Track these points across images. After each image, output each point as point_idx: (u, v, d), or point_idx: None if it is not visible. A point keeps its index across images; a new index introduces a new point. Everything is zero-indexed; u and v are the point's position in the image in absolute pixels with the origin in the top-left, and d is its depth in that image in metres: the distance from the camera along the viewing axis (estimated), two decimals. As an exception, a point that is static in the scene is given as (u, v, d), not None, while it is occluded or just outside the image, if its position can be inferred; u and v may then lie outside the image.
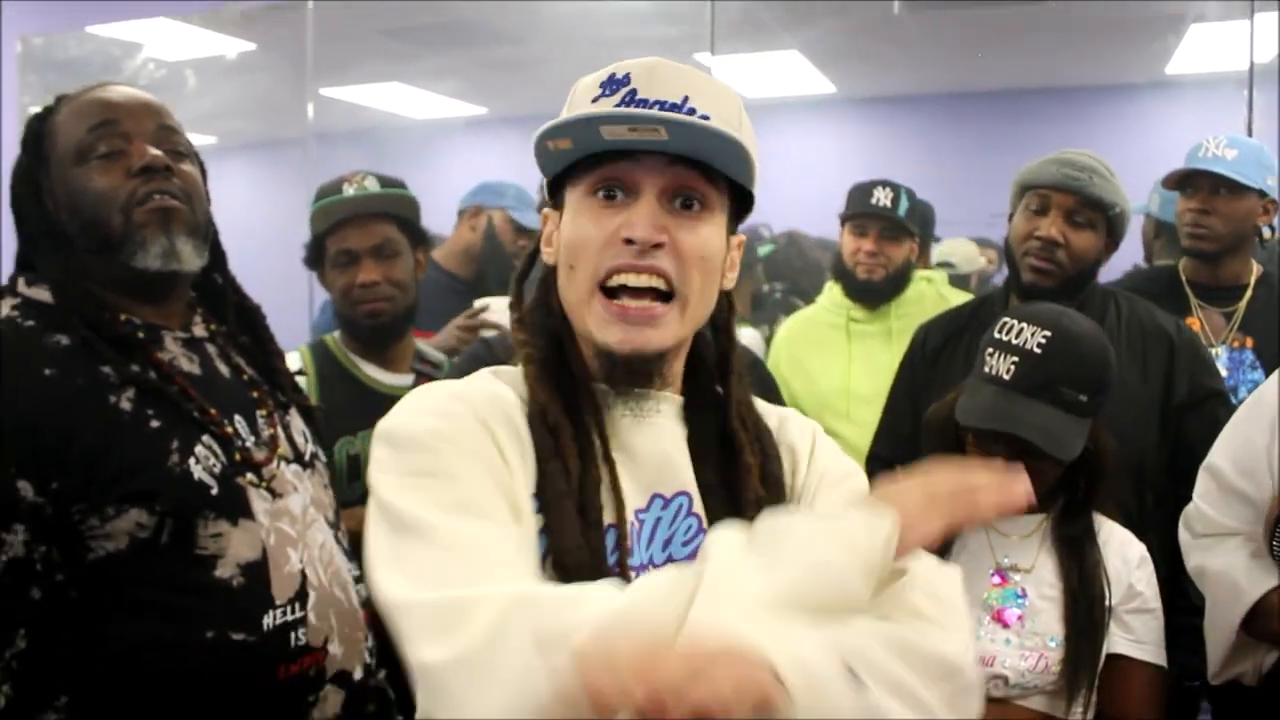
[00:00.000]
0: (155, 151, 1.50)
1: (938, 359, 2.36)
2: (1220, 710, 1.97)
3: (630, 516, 1.09)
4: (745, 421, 1.19)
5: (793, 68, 6.07)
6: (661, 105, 1.06)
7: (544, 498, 1.06)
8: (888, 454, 2.34)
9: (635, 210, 1.08)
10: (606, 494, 1.08)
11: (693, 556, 1.07)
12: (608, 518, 1.07)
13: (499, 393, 1.12)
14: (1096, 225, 2.20)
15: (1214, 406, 2.18)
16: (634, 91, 1.07)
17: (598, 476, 1.08)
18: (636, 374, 1.13)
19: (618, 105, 1.06)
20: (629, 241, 1.07)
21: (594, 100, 1.08)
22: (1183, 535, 1.87)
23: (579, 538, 1.04)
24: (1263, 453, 1.72)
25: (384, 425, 1.09)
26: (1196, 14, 5.77)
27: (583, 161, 1.10)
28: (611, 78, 1.08)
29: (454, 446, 1.04)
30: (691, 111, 1.06)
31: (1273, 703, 1.72)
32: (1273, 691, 1.70)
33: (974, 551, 1.82)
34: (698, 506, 1.13)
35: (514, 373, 1.16)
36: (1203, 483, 1.84)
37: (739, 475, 1.14)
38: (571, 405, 1.11)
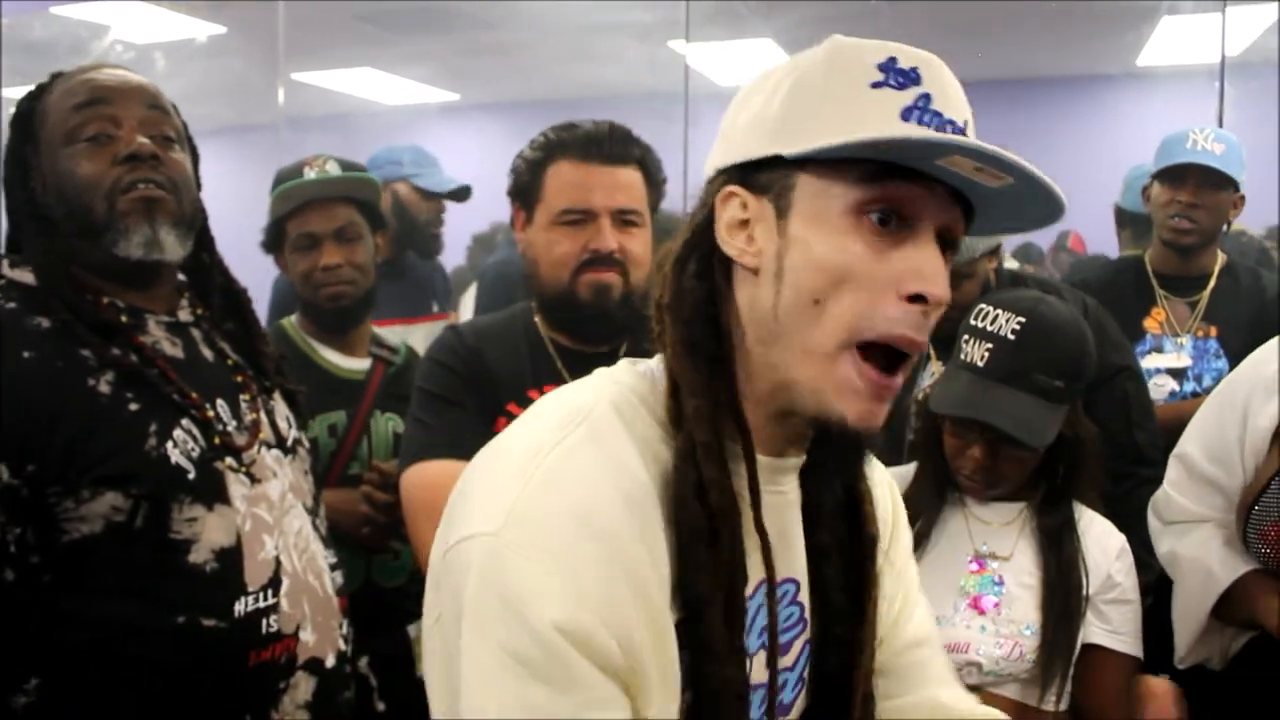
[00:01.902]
0: (143, 139, 1.49)
1: None
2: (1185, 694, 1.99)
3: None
4: (865, 485, 1.04)
5: (767, 56, 6.07)
6: (954, 126, 0.89)
7: (688, 601, 0.86)
8: None
9: (924, 256, 0.88)
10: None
11: (787, 647, 1.00)
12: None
13: (635, 479, 0.88)
14: None
15: (1121, 382, 2.20)
16: (928, 98, 0.88)
17: (745, 579, 0.90)
18: (794, 439, 0.97)
19: (913, 109, 0.88)
20: (917, 299, 0.87)
21: (874, 85, 0.88)
22: (1152, 522, 1.89)
23: (727, 651, 0.87)
24: (1234, 442, 1.74)
25: (493, 563, 0.82)
26: (1169, 6, 5.81)
27: (851, 164, 0.87)
28: (893, 63, 0.88)
29: (593, 670, 0.81)
30: (965, 133, 0.90)
31: (1237, 686, 1.74)
32: (1238, 675, 1.73)
33: (953, 538, 1.83)
34: (802, 594, 1.01)
35: (638, 396, 0.94)
36: (1173, 470, 1.86)
37: (861, 556, 1.02)
38: (729, 481, 0.90)
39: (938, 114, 0.88)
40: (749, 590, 0.91)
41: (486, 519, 0.84)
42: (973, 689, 1.73)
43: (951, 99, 0.90)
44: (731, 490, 0.88)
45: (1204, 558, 1.75)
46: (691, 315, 0.93)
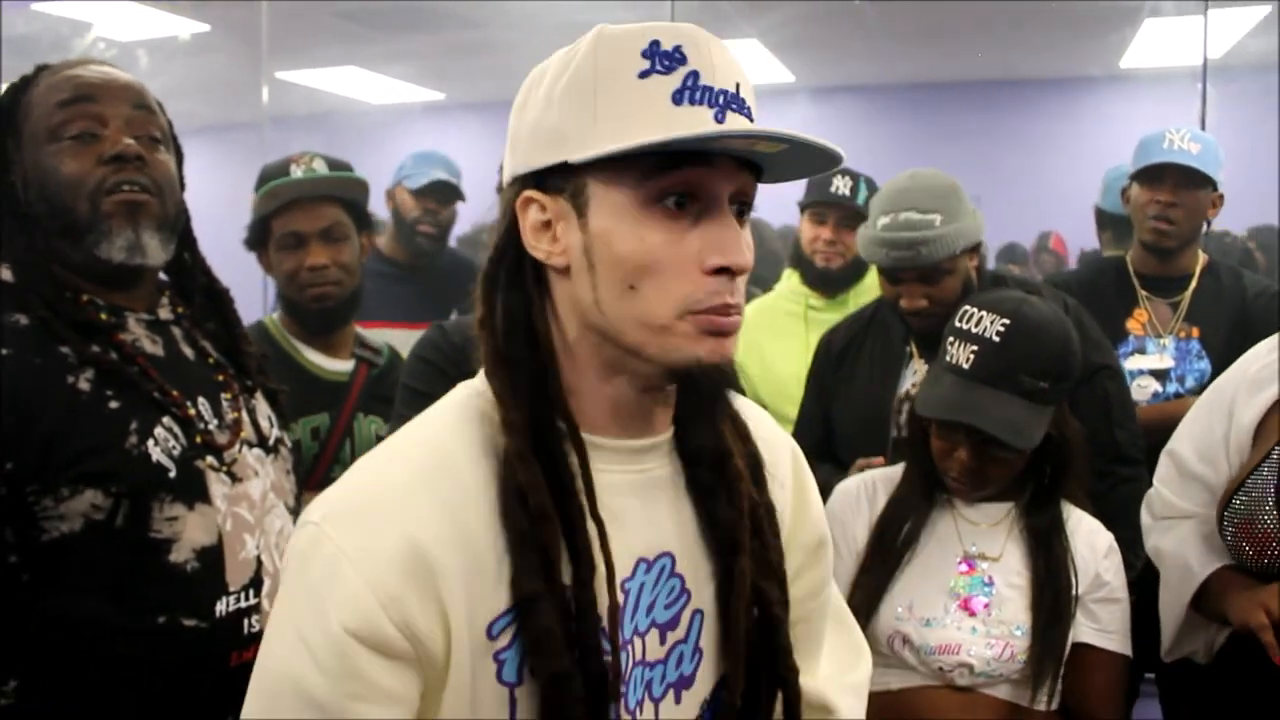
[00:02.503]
0: (129, 140, 1.47)
1: (842, 362, 2.41)
2: (1170, 688, 2.01)
3: (619, 593, 0.96)
4: (740, 449, 1.07)
5: (751, 56, 6.08)
6: (725, 95, 0.92)
7: (521, 604, 0.91)
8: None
9: (720, 229, 0.92)
10: (600, 585, 0.94)
11: (675, 621, 1.02)
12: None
13: (457, 482, 0.93)
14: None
15: (1102, 380, 2.21)
16: (696, 75, 0.91)
17: (591, 567, 0.93)
18: (647, 416, 0.99)
19: (682, 89, 0.90)
20: (721, 271, 0.92)
21: (642, 75, 0.91)
22: (1144, 517, 1.91)
23: (564, 656, 0.90)
24: (1220, 440, 1.75)
25: (308, 552, 0.91)
26: (1151, 8, 5.84)
27: (634, 156, 0.90)
28: (656, 47, 0.91)
29: (377, 663, 0.88)
30: (743, 100, 0.94)
31: (1223, 680, 1.75)
32: (1224, 669, 1.74)
33: (942, 539, 1.83)
34: (680, 565, 1.02)
35: (488, 400, 0.98)
36: (1163, 467, 1.88)
37: (735, 491, 1.04)
38: (557, 480, 0.93)
39: (708, 88, 0.91)
40: (628, 573, 0.97)
41: (316, 508, 0.92)
42: (965, 690, 1.73)
43: (719, 67, 0.92)
44: (548, 491, 0.92)
45: (1185, 553, 1.77)
46: (505, 328, 0.96)
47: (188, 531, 1.42)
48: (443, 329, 1.85)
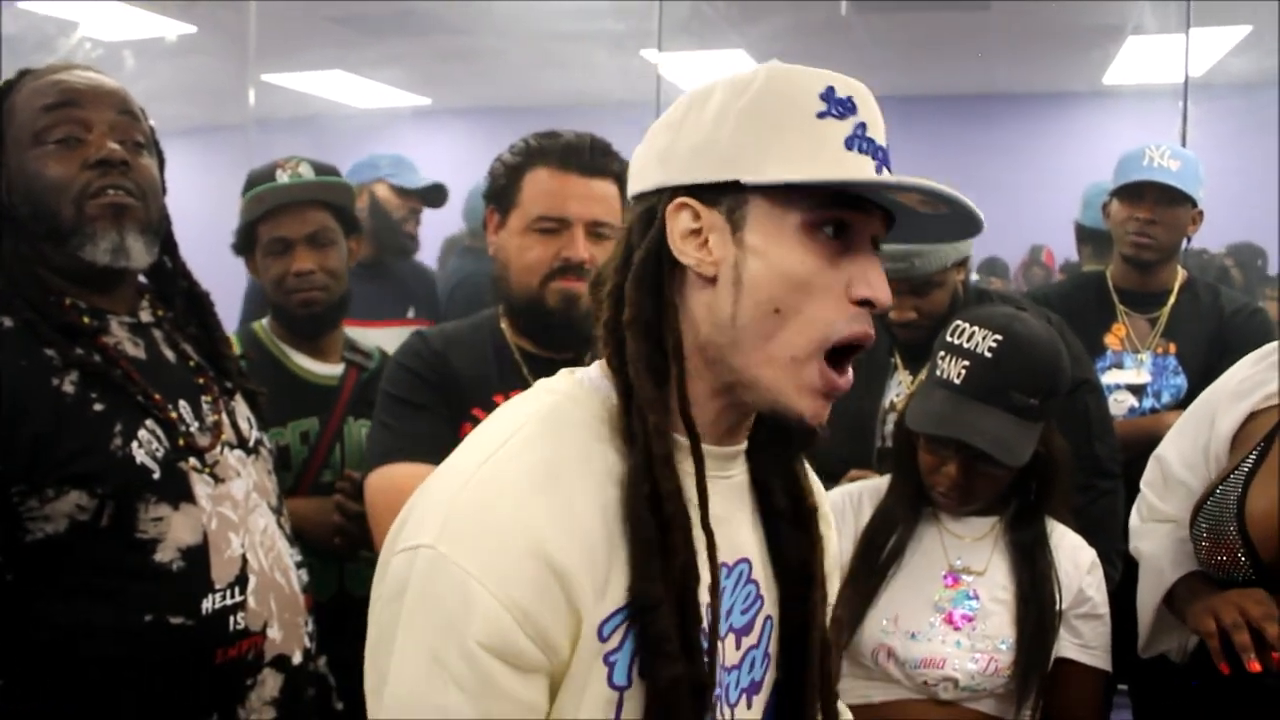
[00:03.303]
0: (114, 145, 1.48)
1: None
2: (1143, 686, 2.03)
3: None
4: (809, 487, 1.12)
5: (739, 67, 6.10)
6: (883, 151, 0.98)
7: (642, 608, 0.92)
8: None
9: (868, 265, 0.97)
10: (703, 592, 0.96)
11: (750, 626, 1.06)
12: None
13: (564, 487, 0.93)
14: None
15: (1082, 395, 2.22)
16: (864, 126, 0.97)
17: (697, 575, 0.95)
18: (738, 426, 1.03)
19: (854, 139, 0.96)
20: (865, 304, 0.96)
21: (820, 115, 0.95)
22: (1133, 519, 1.94)
23: (680, 661, 0.92)
24: (1201, 448, 1.78)
25: (428, 575, 0.89)
26: (1134, 26, 5.89)
27: (801, 187, 0.94)
28: (832, 93, 0.96)
29: (513, 677, 0.88)
30: (889, 158, 0.99)
31: (1195, 677, 1.77)
32: (1196, 668, 1.76)
33: (927, 552, 1.83)
34: (756, 572, 1.07)
35: (573, 403, 1.00)
36: (1150, 471, 1.91)
37: (809, 543, 1.09)
38: (679, 488, 0.95)
39: (872, 141, 0.97)
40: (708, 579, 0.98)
41: (425, 531, 0.90)
42: (948, 704, 1.74)
43: (879, 125, 0.98)
44: (683, 500, 0.94)
45: (1160, 555, 1.80)
46: (651, 331, 0.97)
47: (173, 531, 1.43)
48: (423, 336, 1.85)
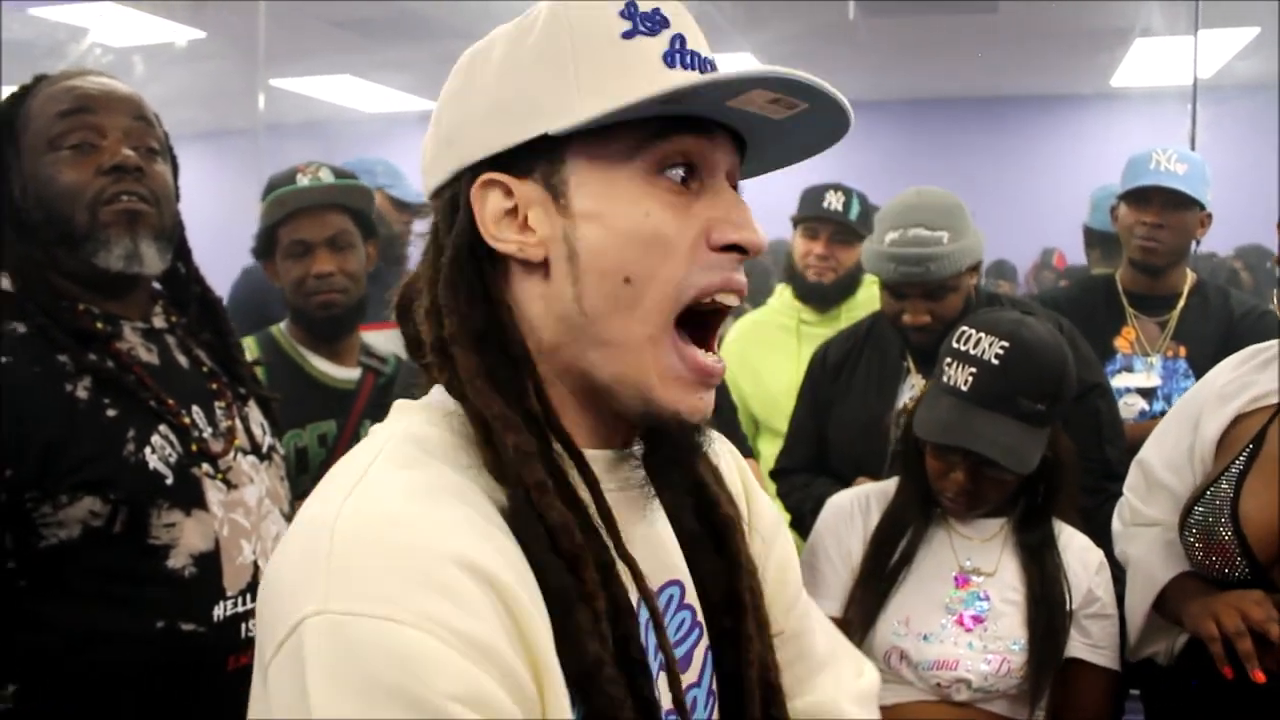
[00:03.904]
0: (128, 151, 1.49)
1: (838, 375, 2.43)
2: (1154, 691, 2.03)
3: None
4: (724, 495, 0.95)
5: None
6: (711, 64, 0.83)
7: (583, 674, 0.74)
8: (792, 468, 2.44)
9: (729, 204, 0.82)
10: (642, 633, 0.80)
11: (688, 659, 0.88)
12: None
13: (477, 519, 0.74)
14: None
15: (1093, 399, 2.23)
16: (683, 39, 0.81)
17: (632, 615, 0.78)
18: (622, 424, 0.85)
19: (672, 51, 0.81)
20: (732, 249, 0.81)
21: (625, 35, 0.80)
22: (1115, 524, 1.93)
23: (634, 712, 0.76)
24: (1186, 451, 1.78)
25: (334, 642, 0.67)
26: (1142, 29, 5.88)
27: (624, 125, 0.79)
28: (634, 7, 0.81)
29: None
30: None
31: (1182, 679, 1.78)
32: (1183, 670, 1.76)
33: (937, 554, 1.83)
34: (690, 597, 0.90)
35: (447, 444, 0.80)
36: (1133, 476, 1.90)
37: (729, 542, 0.92)
38: (579, 515, 0.78)
39: (696, 54, 0.82)
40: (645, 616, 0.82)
41: (300, 606, 0.69)
42: (963, 705, 1.74)
43: (699, 37, 0.84)
44: (579, 530, 0.76)
45: (1149, 558, 1.79)
46: (486, 341, 0.81)
47: (185, 537, 1.43)
48: None
